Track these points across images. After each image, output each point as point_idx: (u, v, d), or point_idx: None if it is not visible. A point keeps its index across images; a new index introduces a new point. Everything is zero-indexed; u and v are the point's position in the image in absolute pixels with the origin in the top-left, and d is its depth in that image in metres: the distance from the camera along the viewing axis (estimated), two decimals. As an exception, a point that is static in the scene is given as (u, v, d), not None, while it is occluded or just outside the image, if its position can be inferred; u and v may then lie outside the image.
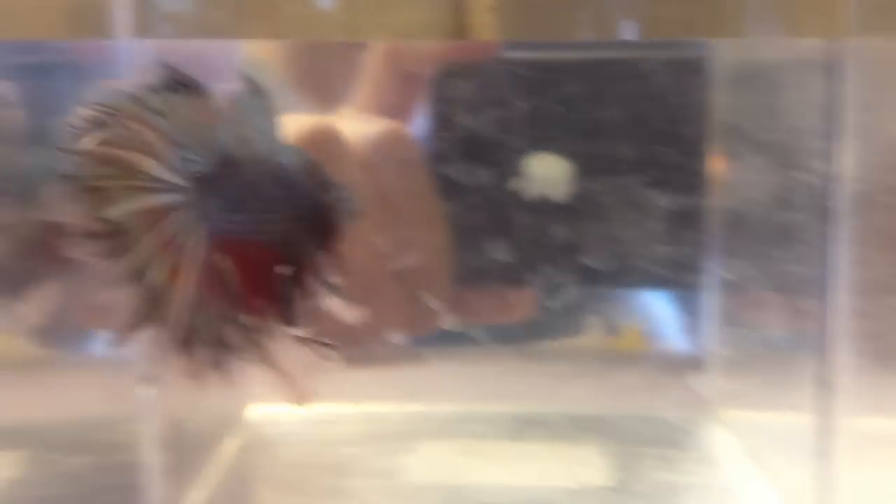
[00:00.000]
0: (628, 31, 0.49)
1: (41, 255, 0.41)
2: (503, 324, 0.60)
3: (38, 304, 0.42)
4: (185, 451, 0.47)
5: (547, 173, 0.59)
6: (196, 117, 0.35)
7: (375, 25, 0.52)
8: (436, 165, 0.58)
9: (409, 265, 0.55)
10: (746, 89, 0.52)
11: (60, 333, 0.44)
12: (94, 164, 0.33)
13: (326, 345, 0.38)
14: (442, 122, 0.58)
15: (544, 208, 0.57)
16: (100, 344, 0.47)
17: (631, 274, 0.56)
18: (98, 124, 0.33)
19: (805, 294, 0.42)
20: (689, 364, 0.56)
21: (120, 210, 0.33)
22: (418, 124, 0.60)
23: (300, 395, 0.39)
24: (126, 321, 0.35)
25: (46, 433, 0.44)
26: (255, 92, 0.38)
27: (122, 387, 0.43)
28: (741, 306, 0.51)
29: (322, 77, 0.59)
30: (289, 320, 0.37)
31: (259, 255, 0.36)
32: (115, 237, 0.34)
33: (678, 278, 0.55)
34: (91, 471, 0.44)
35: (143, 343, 0.36)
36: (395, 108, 0.59)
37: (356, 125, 0.56)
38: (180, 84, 0.35)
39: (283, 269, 0.37)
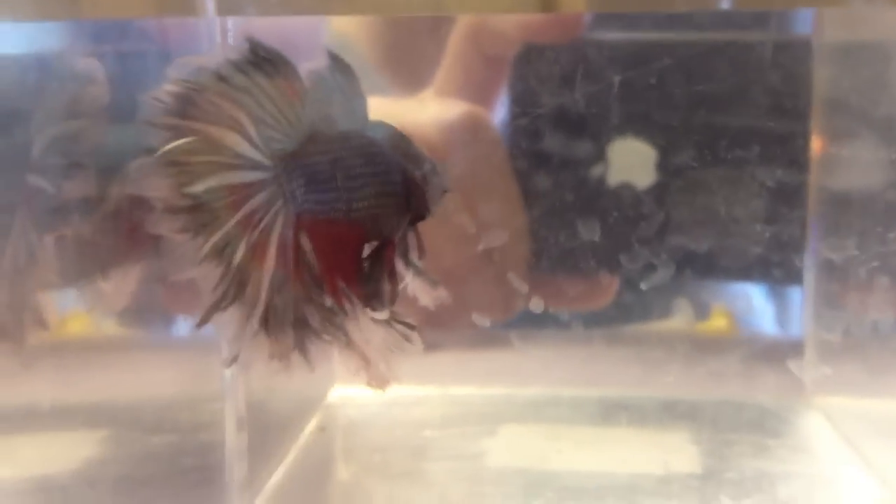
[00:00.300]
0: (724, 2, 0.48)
1: (126, 232, 0.41)
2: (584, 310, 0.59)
3: (121, 283, 0.42)
4: (268, 431, 0.46)
5: (630, 159, 0.57)
6: (281, 94, 0.34)
7: (460, 1, 0.51)
8: (516, 148, 0.57)
9: (493, 247, 0.54)
10: (854, 63, 0.49)
11: (144, 314, 0.44)
12: (178, 138, 0.33)
13: (409, 326, 0.37)
14: (524, 103, 0.57)
15: (629, 193, 0.56)
16: (182, 325, 0.48)
17: (729, 255, 0.55)
18: (183, 100, 0.33)
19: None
20: (787, 349, 0.54)
21: (203, 186, 0.33)
22: (500, 106, 0.59)
23: (380, 380, 0.38)
24: (209, 301, 0.35)
25: (129, 413, 0.44)
26: (341, 68, 0.37)
27: (205, 367, 0.43)
28: (845, 289, 0.49)
29: (406, 57, 0.58)
30: (372, 300, 0.36)
31: (344, 233, 0.35)
32: (198, 213, 0.33)
33: (779, 259, 0.53)
34: (173, 450, 0.44)
35: (225, 324, 0.35)
36: (478, 91, 0.59)
37: (437, 108, 0.56)
38: (265, 59, 0.34)
39: (368, 248, 0.36)
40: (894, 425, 0.45)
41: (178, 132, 0.33)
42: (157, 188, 0.33)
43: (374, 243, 0.36)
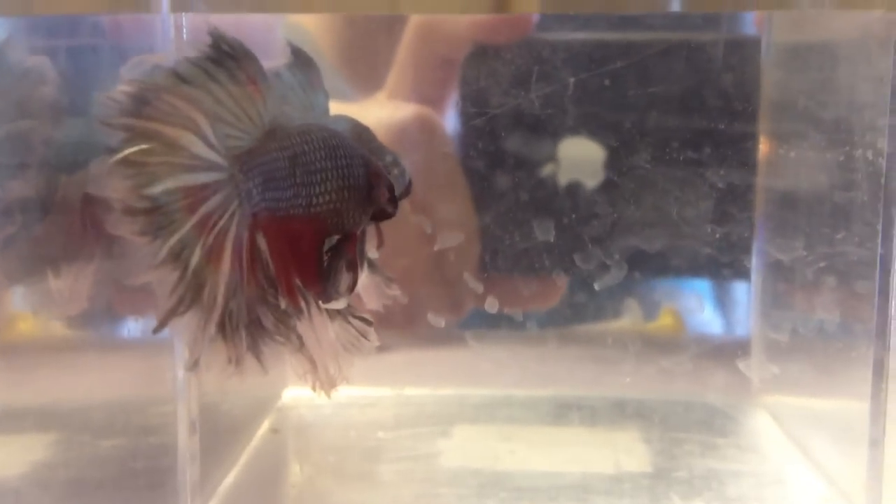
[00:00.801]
0: (674, 3, 0.48)
1: (78, 231, 0.40)
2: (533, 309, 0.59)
3: (75, 283, 0.41)
4: (220, 434, 0.46)
5: (579, 159, 0.58)
6: (241, 90, 0.34)
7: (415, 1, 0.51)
8: (467, 149, 0.58)
9: (447, 247, 0.55)
10: (802, 65, 0.50)
11: (95, 315, 0.43)
12: (134, 139, 0.32)
13: (366, 321, 0.37)
14: (475, 104, 0.57)
15: (578, 193, 0.57)
16: (134, 326, 0.47)
17: (678, 255, 0.55)
18: (138, 99, 0.32)
19: (861, 277, 0.41)
20: (735, 348, 0.54)
21: (161, 187, 0.33)
22: (450, 108, 0.60)
23: (327, 383, 0.38)
24: (165, 306, 0.34)
25: (78, 416, 0.44)
26: (303, 63, 0.37)
27: (157, 369, 0.43)
28: (792, 289, 0.50)
29: (361, 57, 0.58)
30: (330, 293, 0.36)
31: (303, 229, 0.35)
32: (155, 216, 0.33)
33: (727, 259, 0.54)
34: (124, 453, 0.43)
35: (183, 328, 0.35)
36: (430, 91, 0.59)
37: (387, 109, 0.56)
38: (227, 53, 0.34)
39: (329, 242, 0.36)
40: (839, 424, 0.45)
41: (133, 133, 0.32)
42: (116, 189, 0.32)
43: (335, 238, 0.36)
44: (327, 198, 0.35)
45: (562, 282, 0.60)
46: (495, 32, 0.57)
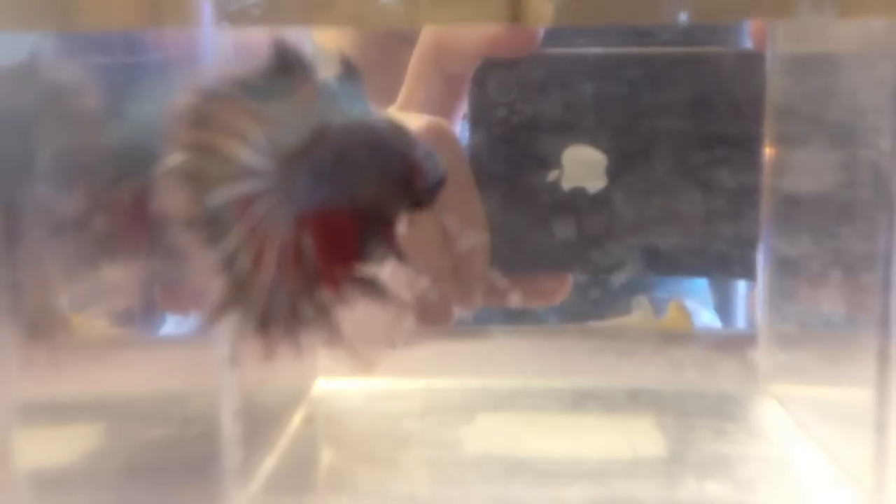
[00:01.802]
0: (683, 15, 0.51)
1: (125, 232, 0.42)
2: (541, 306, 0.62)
3: (124, 280, 0.43)
4: (258, 422, 0.48)
5: (583, 165, 0.60)
6: (297, 96, 0.36)
7: (433, 14, 0.53)
8: (478, 160, 0.60)
9: (474, 246, 0.57)
10: (807, 69, 0.53)
11: (142, 312, 0.45)
12: (194, 152, 0.34)
13: (401, 305, 0.39)
14: (484, 117, 0.59)
15: (584, 197, 0.59)
16: (174, 324, 0.49)
17: (688, 254, 0.57)
18: (199, 113, 0.34)
19: (865, 270, 0.43)
20: (743, 339, 0.57)
21: (217, 198, 0.35)
22: (460, 120, 0.62)
23: (366, 365, 0.40)
24: (213, 307, 0.37)
25: (126, 407, 0.46)
26: (350, 72, 0.40)
27: (199, 363, 0.45)
28: (799, 283, 0.52)
29: (372, 72, 0.60)
30: (368, 281, 0.38)
31: (345, 223, 0.37)
32: (212, 225, 0.35)
33: (735, 257, 0.56)
34: (171, 441, 0.45)
35: (225, 326, 0.37)
36: (438, 106, 0.61)
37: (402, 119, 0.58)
38: (288, 64, 0.36)
39: (368, 231, 0.38)
40: (845, 410, 0.47)
41: (193, 146, 0.34)
42: (177, 203, 0.35)
43: (374, 225, 0.38)
44: (368, 193, 0.38)
45: (568, 279, 0.62)
46: (504, 48, 0.60)
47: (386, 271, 0.39)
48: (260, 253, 0.36)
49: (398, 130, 0.40)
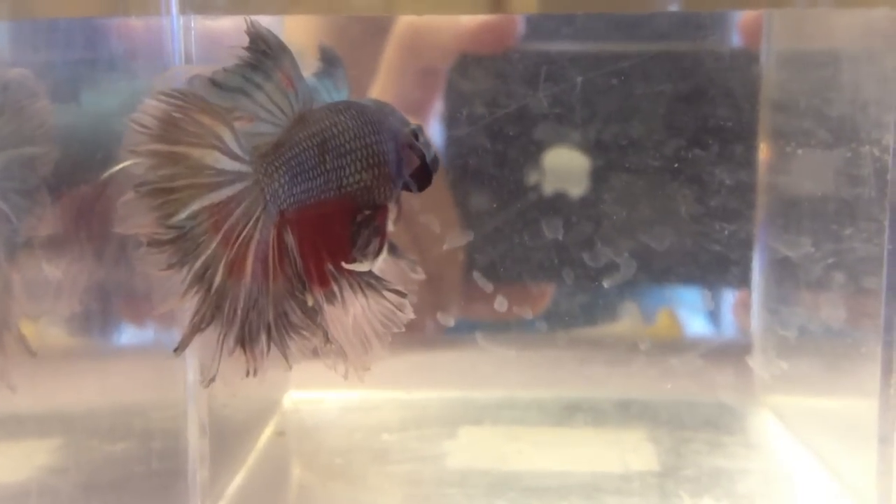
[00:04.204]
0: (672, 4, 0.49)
1: (72, 235, 0.40)
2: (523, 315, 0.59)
3: (70, 286, 0.41)
4: (225, 436, 0.46)
5: (564, 167, 0.58)
6: (276, 86, 0.34)
7: (412, 4, 0.51)
8: (452, 159, 0.58)
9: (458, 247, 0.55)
10: (805, 64, 0.51)
11: (104, 321, 0.43)
12: (161, 165, 0.31)
13: (400, 294, 0.37)
14: (459, 114, 0.57)
15: (564, 201, 0.57)
16: (142, 333, 0.47)
17: (677, 258, 0.56)
18: (166, 122, 0.31)
19: (869, 273, 0.41)
20: (739, 348, 0.55)
21: (187, 212, 0.32)
22: (434, 115, 0.60)
23: (360, 369, 0.38)
24: (187, 329, 0.34)
25: (85, 420, 0.43)
26: (331, 60, 0.37)
27: (162, 374, 0.43)
28: (799, 286, 0.50)
29: (351, 63, 0.58)
30: (356, 259, 0.36)
31: (333, 209, 0.35)
32: (181, 242, 0.32)
33: (731, 258, 0.55)
34: (136, 456, 0.43)
35: (203, 345, 0.34)
36: (413, 100, 0.59)
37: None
38: (265, 52, 0.33)
39: (358, 220, 0.36)
40: (846, 421, 0.46)
41: (159, 158, 0.31)
42: (142, 224, 0.31)
43: (365, 213, 0.36)
44: (358, 177, 0.36)
45: (549, 288, 0.60)
46: (483, 42, 0.58)
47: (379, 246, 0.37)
48: (237, 263, 0.34)
49: (383, 108, 0.38)
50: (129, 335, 0.47)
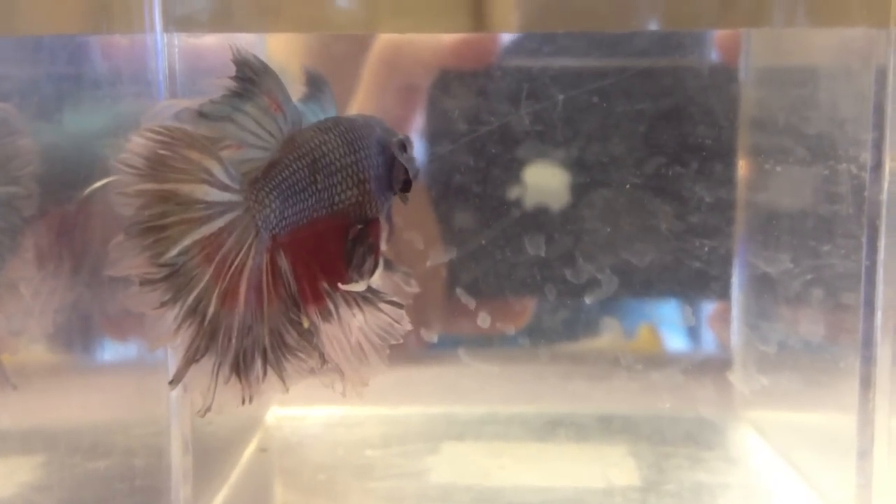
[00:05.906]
0: (652, 23, 0.49)
1: (59, 256, 0.40)
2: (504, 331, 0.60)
3: (46, 303, 0.41)
4: (208, 453, 0.46)
5: (544, 183, 0.58)
6: (264, 112, 0.34)
7: (394, 23, 0.51)
8: (434, 175, 0.58)
9: (440, 263, 0.55)
10: (783, 81, 0.51)
11: (87, 338, 0.43)
12: (150, 204, 0.31)
13: (397, 305, 0.37)
14: (440, 131, 0.57)
15: (546, 216, 0.57)
16: (128, 348, 0.47)
17: (657, 273, 0.56)
18: (153, 160, 0.31)
19: (847, 289, 0.42)
20: (719, 363, 0.55)
21: (178, 249, 0.32)
22: (416, 134, 0.60)
23: (359, 383, 0.38)
24: (180, 361, 0.34)
25: (67, 437, 0.43)
26: (317, 82, 0.37)
27: (145, 390, 0.42)
28: (778, 302, 0.50)
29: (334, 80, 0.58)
30: (351, 277, 0.36)
31: (326, 228, 0.35)
32: (173, 279, 0.32)
33: (708, 276, 0.55)
34: (118, 473, 0.43)
35: (197, 375, 0.34)
36: (393, 119, 0.59)
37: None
38: (250, 79, 0.33)
39: (352, 231, 0.36)
40: (826, 435, 0.46)
41: (149, 197, 0.31)
42: (134, 265, 0.31)
43: (357, 227, 0.36)
44: (350, 193, 0.36)
45: (531, 304, 0.60)
46: (463, 59, 0.58)
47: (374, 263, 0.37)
48: (230, 291, 0.33)
49: (370, 120, 0.38)
50: (110, 352, 0.47)
